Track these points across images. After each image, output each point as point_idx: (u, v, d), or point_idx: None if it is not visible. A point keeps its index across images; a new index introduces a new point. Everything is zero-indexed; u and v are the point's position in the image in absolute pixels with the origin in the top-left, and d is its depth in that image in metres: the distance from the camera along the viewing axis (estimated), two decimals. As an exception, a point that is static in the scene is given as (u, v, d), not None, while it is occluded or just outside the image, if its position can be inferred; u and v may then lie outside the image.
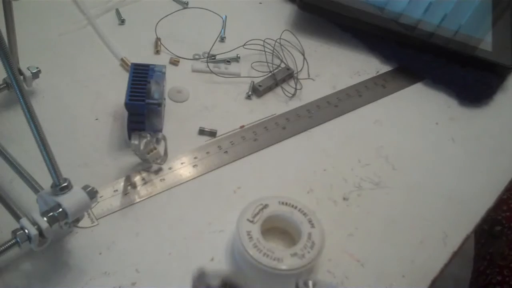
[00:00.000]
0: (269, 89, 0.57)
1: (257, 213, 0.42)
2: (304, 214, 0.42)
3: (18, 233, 0.36)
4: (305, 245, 0.40)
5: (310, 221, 0.42)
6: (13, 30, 0.46)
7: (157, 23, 0.61)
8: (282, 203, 0.43)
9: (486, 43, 0.62)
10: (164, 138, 0.47)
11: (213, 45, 0.60)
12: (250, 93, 0.56)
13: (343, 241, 0.45)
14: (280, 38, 0.61)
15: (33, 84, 0.51)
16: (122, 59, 0.57)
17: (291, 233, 0.43)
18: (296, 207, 0.43)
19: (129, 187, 0.46)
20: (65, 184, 0.37)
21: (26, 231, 0.36)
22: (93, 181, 0.39)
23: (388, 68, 0.62)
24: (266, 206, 0.42)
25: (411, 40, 0.62)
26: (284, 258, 0.39)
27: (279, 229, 0.44)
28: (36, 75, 0.50)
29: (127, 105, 0.46)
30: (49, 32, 0.59)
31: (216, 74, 0.58)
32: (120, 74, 0.56)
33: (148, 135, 0.45)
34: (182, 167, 0.48)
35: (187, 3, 0.65)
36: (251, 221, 0.41)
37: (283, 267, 0.39)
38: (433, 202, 0.49)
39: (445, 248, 0.46)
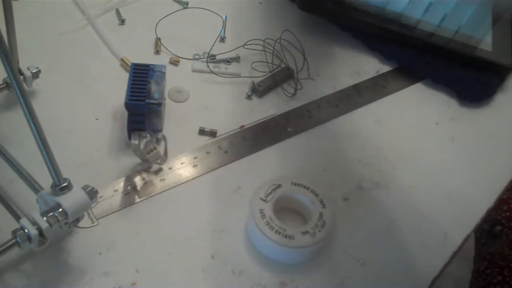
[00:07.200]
0: (269, 89, 0.57)
1: (270, 193, 0.43)
2: (316, 194, 0.44)
3: (18, 233, 0.36)
4: (316, 224, 0.42)
5: (321, 202, 0.43)
6: (13, 30, 0.46)
7: (157, 23, 0.61)
8: (295, 183, 0.44)
9: (486, 43, 0.62)
10: (164, 138, 0.47)
11: (213, 45, 0.60)
12: (250, 93, 0.56)
13: (343, 241, 0.45)
14: (280, 38, 0.61)
15: (33, 84, 0.51)
16: (122, 59, 0.57)
17: (303, 213, 0.45)
18: (308, 188, 0.44)
19: (129, 187, 0.46)
20: (65, 184, 0.37)
21: (26, 231, 0.36)
22: (93, 181, 0.39)
23: (388, 68, 0.62)
24: (279, 186, 0.44)
25: (411, 40, 0.62)
26: (295, 235, 0.41)
27: (291, 210, 0.45)
28: (36, 75, 0.50)
29: (127, 105, 0.46)
30: (49, 32, 0.59)
31: (216, 74, 0.57)
32: (120, 74, 0.56)
33: (148, 135, 0.45)
34: (182, 167, 0.48)
35: (187, 3, 0.65)
36: (264, 200, 0.43)
37: (294, 244, 0.40)
38: (433, 202, 0.49)
39: (445, 248, 0.46)
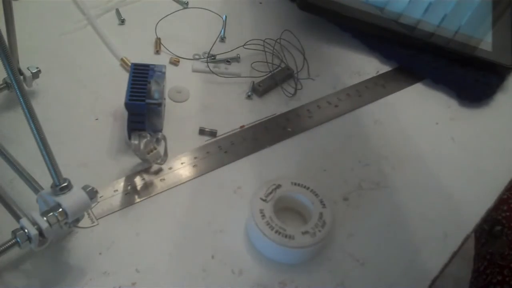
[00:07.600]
0: (269, 89, 0.57)
1: (270, 193, 0.43)
2: (316, 194, 0.44)
3: (18, 233, 0.36)
4: (316, 224, 0.42)
5: (321, 201, 0.43)
6: (13, 30, 0.46)
7: (157, 23, 0.61)
8: (295, 183, 0.45)
9: (486, 43, 0.62)
10: (164, 138, 0.47)
11: (213, 45, 0.60)
12: (250, 93, 0.56)
13: (343, 241, 0.45)
14: (280, 38, 0.61)
15: (33, 84, 0.51)
16: (122, 59, 0.57)
17: (303, 213, 0.45)
18: (308, 188, 0.44)
19: (129, 187, 0.46)
20: (65, 184, 0.37)
21: (26, 231, 0.36)
22: (93, 181, 0.39)
23: (388, 68, 0.62)
24: (279, 186, 0.44)
25: (411, 40, 0.62)
26: (295, 235, 0.41)
27: (291, 210, 0.45)
28: (36, 75, 0.50)
29: (127, 105, 0.46)
30: (49, 32, 0.59)
31: (216, 74, 0.58)
32: (120, 74, 0.56)
33: (148, 135, 0.45)
34: (182, 167, 0.48)
35: (187, 3, 0.65)
36: (264, 200, 0.43)
37: (294, 244, 0.40)
38: (433, 202, 0.49)
39: (445, 248, 0.46)
